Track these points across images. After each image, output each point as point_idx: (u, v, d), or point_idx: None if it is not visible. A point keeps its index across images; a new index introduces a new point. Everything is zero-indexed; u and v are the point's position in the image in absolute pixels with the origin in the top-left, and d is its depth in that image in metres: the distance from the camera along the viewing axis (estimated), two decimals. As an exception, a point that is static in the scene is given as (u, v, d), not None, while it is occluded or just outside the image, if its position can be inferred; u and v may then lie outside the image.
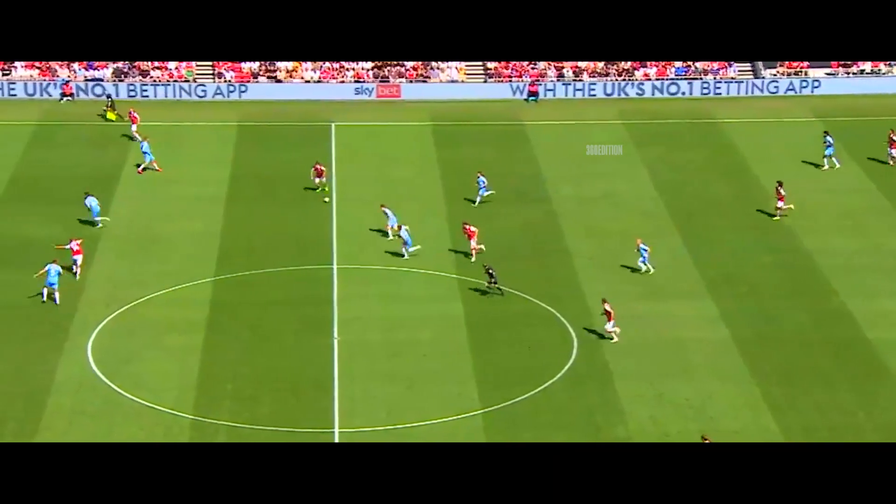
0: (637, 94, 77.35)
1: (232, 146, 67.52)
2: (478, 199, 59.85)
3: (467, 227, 54.18)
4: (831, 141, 64.70)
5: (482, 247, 53.88)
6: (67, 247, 52.09)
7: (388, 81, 77.01)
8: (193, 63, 76.42)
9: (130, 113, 67.57)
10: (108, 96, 72.48)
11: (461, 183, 63.02)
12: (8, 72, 74.93)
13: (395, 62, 77.48)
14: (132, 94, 74.54)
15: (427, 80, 77.90)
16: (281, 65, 76.85)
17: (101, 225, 56.51)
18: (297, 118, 72.05)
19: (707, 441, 40.09)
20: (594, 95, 77.07)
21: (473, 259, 53.38)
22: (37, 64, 74.82)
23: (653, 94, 77.40)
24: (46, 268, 49.77)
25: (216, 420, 42.69)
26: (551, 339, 48.26)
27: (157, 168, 62.91)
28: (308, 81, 76.74)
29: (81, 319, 48.68)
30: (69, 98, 73.63)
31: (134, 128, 66.81)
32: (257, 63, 76.70)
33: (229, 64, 76.45)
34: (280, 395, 44.25)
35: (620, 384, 45.16)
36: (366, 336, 48.21)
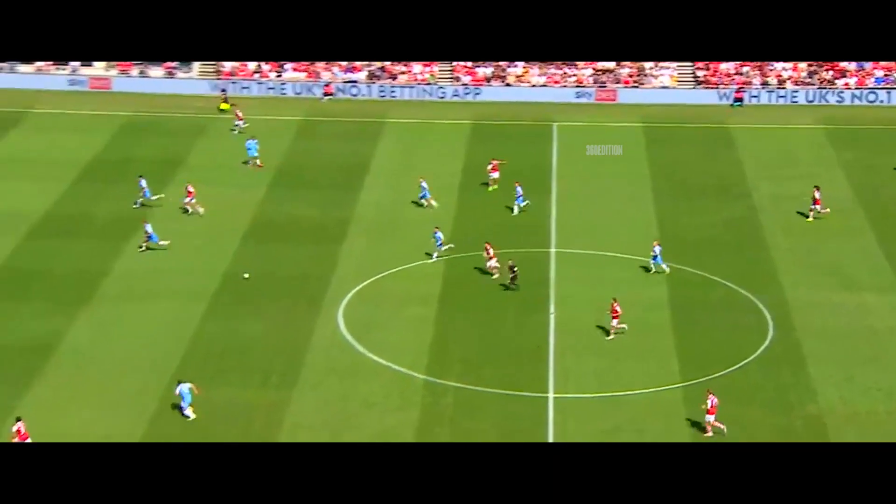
0: (837, 101, 74.72)
1: (465, 142, 68.14)
2: (515, 209, 57.49)
3: (488, 246, 51.14)
4: None
5: (499, 265, 50.41)
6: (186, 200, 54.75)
7: (606, 87, 76.40)
8: (435, 67, 77.40)
9: (236, 112, 67.80)
10: (223, 90, 73.18)
11: (669, 180, 62.18)
12: (280, 73, 77.39)
13: (612, 70, 76.84)
14: (382, 94, 76.00)
15: (641, 85, 76.96)
16: (510, 70, 77.17)
17: (149, 200, 56.54)
18: (523, 118, 72.22)
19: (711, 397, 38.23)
20: (796, 102, 74.77)
21: (495, 276, 50.34)
22: (303, 66, 77.05)
23: (852, 102, 74.59)
24: (145, 226, 51.65)
25: (447, 381, 43.28)
26: (749, 323, 47.16)
27: (259, 164, 62.36)
28: (534, 85, 76.81)
29: (334, 290, 50.01)
30: (329, 97, 75.58)
31: (241, 123, 66.83)
32: (490, 68, 77.15)
33: (466, 69, 77.16)
34: (502, 363, 44.55)
35: (813, 367, 43.85)
36: (578, 314, 48.07)
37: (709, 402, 39.37)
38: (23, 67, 74.19)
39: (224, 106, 71.26)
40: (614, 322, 45.87)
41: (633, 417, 40.83)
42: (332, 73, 77.03)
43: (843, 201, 59.10)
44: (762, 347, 45.23)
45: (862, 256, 52.88)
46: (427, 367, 44.11)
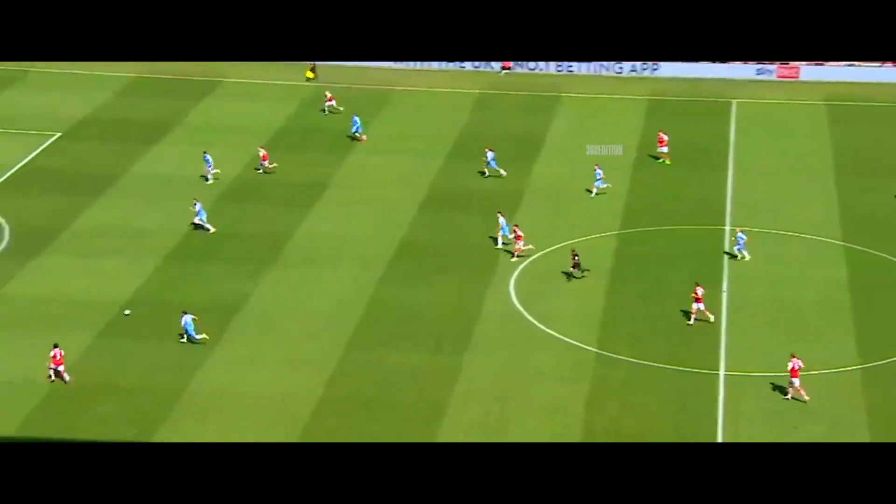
0: None
1: (643, 118, 67.35)
2: (594, 191, 55.89)
3: (517, 229, 50.04)
4: None
5: (530, 246, 49.58)
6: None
7: (788, 63, 74.27)
8: (613, 43, 76.54)
9: (325, 94, 67.05)
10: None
11: (852, 159, 60.26)
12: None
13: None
14: (559, 69, 75.70)
15: (825, 63, 74.52)
16: (691, 46, 75.65)
17: (211, 180, 56.55)
18: (703, 94, 70.89)
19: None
20: None
21: (514, 258, 49.35)
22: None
23: None
24: (195, 206, 51.70)
25: (617, 355, 43.10)
26: (931, 307, 45.44)
27: (363, 138, 62.08)
28: (715, 62, 75.17)
29: (506, 261, 50.29)
30: (507, 70, 75.70)
31: (333, 103, 66.26)
32: (670, 44, 75.87)
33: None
34: (672, 338, 44.12)
35: None
36: (753, 291, 47.14)
37: (791, 364, 39.08)
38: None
39: (309, 74, 71.66)
40: (698, 306, 44.34)
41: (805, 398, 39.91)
42: (511, 47, 76.97)
43: None
44: (944, 332, 43.56)
45: None
46: (598, 340, 44.02)
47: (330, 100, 66.46)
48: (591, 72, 75.43)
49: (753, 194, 56.48)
